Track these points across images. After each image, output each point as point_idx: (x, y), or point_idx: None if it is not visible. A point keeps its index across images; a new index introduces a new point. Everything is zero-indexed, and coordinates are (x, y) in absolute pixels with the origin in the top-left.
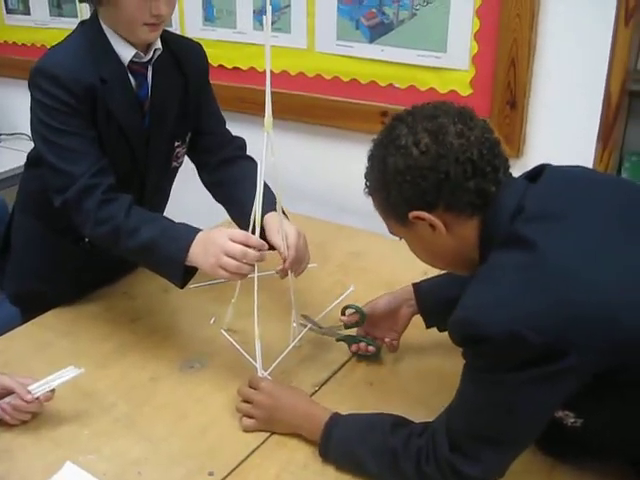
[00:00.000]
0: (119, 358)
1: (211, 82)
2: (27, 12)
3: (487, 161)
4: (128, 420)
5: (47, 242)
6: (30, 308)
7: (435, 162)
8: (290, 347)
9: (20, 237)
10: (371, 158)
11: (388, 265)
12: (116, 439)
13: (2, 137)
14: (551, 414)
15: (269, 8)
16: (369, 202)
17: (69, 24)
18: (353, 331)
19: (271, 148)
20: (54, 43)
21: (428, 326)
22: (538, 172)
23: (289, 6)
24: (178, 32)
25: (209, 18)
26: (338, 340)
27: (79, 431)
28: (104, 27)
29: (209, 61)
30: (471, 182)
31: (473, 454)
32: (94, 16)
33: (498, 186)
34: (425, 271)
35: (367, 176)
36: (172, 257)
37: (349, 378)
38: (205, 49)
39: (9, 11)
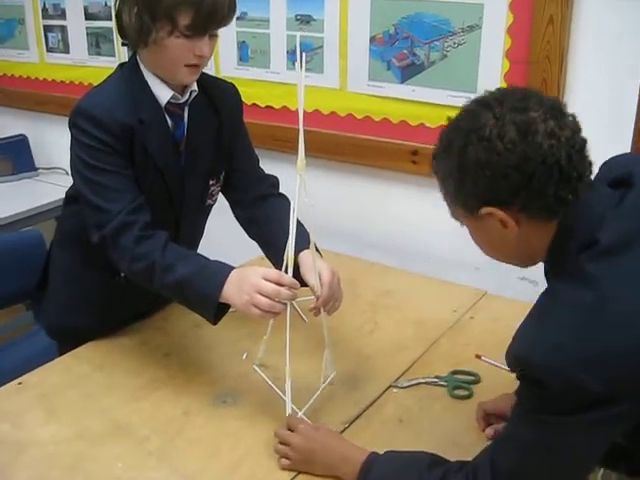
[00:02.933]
0: (152, 392)
1: (245, 120)
2: (67, 51)
3: (574, 166)
4: (161, 454)
5: (84, 277)
6: (66, 341)
7: (520, 162)
8: (322, 387)
9: (58, 272)
10: (447, 142)
11: (417, 303)
12: (149, 472)
13: (40, 171)
14: (600, 455)
15: (299, 51)
16: (399, 239)
17: (107, 62)
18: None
19: (304, 189)
20: (92, 80)
21: None
22: (626, 178)
23: (322, 47)
24: (213, 71)
25: (244, 58)
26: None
27: (113, 464)
28: (143, 69)
29: (243, 100)
30: (553, 187)
31: None
32: (133, 58)
33: (577, 193)
34: (455, 309)
35: (437, 157)
36: (206, 294)
37: (379, 415)
38: (239, 88)
39: (49, 49)
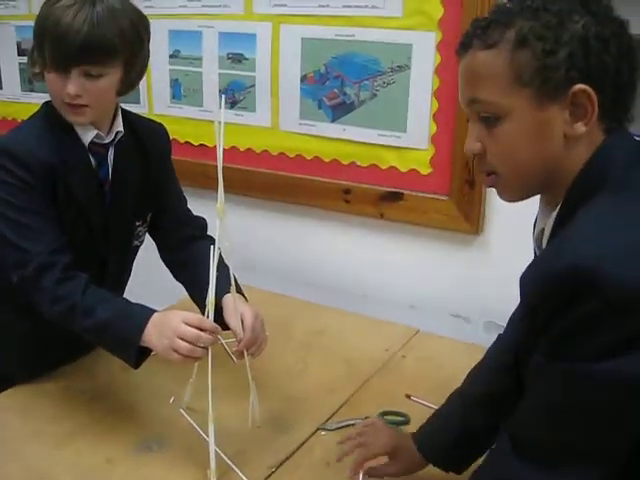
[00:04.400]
0: (75, 439)
1: (178, 158)
2: (0, 87)
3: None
4: None
5: (6, 317)
6: None
7: (623, 51)
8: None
9: None
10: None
11: (350, 342)
12: None
13: None
14: None
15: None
16: (333, 278)
17: (40, 99)
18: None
19: (224, 234)
20: (25, 117)
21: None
22: None
23: (254, 86)
24: (146, 109)
25: (176, 96)
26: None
27: None
28: None
29: (176, 138)
30: (630, 94)
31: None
32: None
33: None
34: (387, 347)
35: (508, 19)
36: (126, 338)
37: (306, 459)
38: (172, 126)
39: None
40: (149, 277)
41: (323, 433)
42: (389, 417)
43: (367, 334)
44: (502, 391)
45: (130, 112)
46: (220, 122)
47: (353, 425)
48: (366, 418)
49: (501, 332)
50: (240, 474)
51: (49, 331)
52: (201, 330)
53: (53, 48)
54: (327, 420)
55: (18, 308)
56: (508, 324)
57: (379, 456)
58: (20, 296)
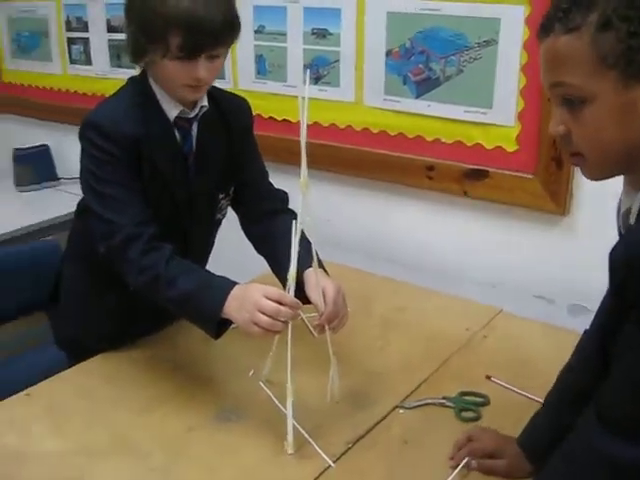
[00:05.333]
0: (158, 406)
1: (262, 134)
2: (89, 63)
3: None
4: (163, 470)
5: (94, 289)
6: (76, 353)
7: None
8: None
9: (68, 284)
10: None
11: (430, 320)
12: None
13: (62, 181)
14: None
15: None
16: (414, 255)
17: (127, 75)
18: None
19: (307, 209)
20: (113, 92)
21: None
22: None
23: (338, 61)
24: (231, 84)
25: (261, 71)
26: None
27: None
28: (151, 83)
29: (260, 113)
30: None
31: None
32: (143, 72)
33: None
34: (467, 327)
35: (590, 1)
36: (207, 309)
37: (384, 436)
38: (256, 102)
39: (72, 61)
40: (231, 250)
41: (401, 411)
42: (468, 397)
43: (448, 312)
44: (593, 385)
45: (214, 87)
46: (304, 97)
47: (432, 404)
48: (444, 398)
49: (585, 318)
50: (317, 448)
51: (135, 304)
52: (281, 304)
53: (186, 39)
54: (406, 398)
55: (106, 280)
56: (595, 315)
57: (487, 452)
58: (108, 266)
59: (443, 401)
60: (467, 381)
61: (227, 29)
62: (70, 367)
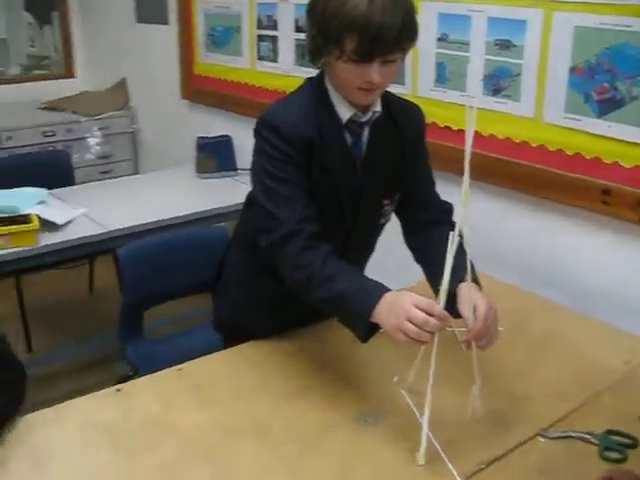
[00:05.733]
0: (300, 399)
1: (437, 142)
2: (275, 60)
3: None
4: (295, 461)
5: (254, 279)
6: (231, 336)
7: None
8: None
9: (230, 270)
10: None
11: (587, 348)
12: (276, 476)
13: (239, 172)
14: None
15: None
16: (577, 279)
17: (310, 74)
18: None
19: (467, 221)
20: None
21: None
22: None
23: (520, 74)
24: (410, 91)
25: (441, 80)
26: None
27: (248, 463)
28: (327, 85)
29: (436, 121)
30: None
31: None
32: (321, 73)
33: None
34: (627, 360)
35: None
36: (358, 312)
37: (519, 462)
38: (433, 109)
39: (260, 57)
40: (390, 257)
41: (542, 440)
42: (615, 437)
43: (607, 343)
44: None
45: (388, 92)
46: (472, 107)
47: (575, 438)
48: (589, 433)
49: None
50: (448, 463)
51: (290, 297)
52: (430, 315)
53: (360, 43)
54: (548, 427)
55: (267, 269)
56: None
57: None
58: (269, 258)
59: (587, 437)
60: (617, 419)
61: (403, 35)
62: (224, 349)
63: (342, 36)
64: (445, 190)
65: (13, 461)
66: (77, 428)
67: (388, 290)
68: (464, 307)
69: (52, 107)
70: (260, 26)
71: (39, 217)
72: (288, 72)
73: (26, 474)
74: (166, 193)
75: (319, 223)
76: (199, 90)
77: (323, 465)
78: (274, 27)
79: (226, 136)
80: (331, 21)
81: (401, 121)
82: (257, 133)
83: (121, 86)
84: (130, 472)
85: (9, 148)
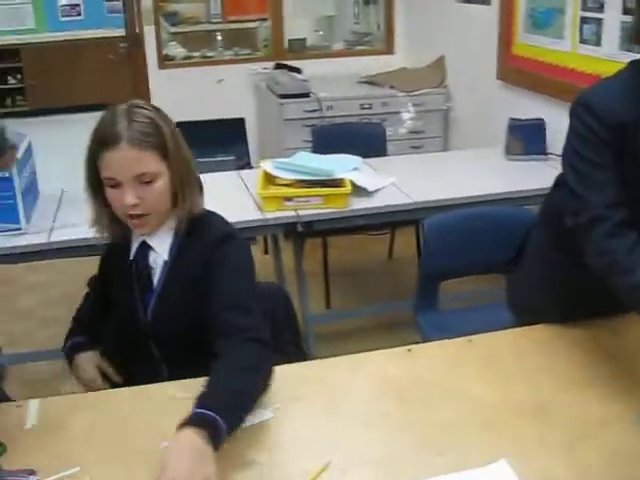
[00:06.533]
0: (583, 388)
1: None
2: (598, 44)
3: None
4: (568, 449)
5: (555, 259)
6: (523, 317)
7: None
8: None
9: (532, 250)
10: None
11: None
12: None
13: (550, 156)
14: None
15: None
16: None
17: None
18: None
19: None
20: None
21: None
22: None
23: None
24: None
25: None
26: None
27: (526, 438)
28: None
29: None
30: None
31: None
32: None
33: None
34: None
35: None
36: None
37: None
38: None
39: (582, 41)
40: None
41: None
42: None
43: None
44: None
45: None
46: None
47: None
48: None
49: None
50: None
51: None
52: None
53: None
54: None
55: (569, 250)
56: None
57: None
58: (572, 239)
59: None
60: None
61: None
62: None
63: None
64: None
65: (310, 398)
66: (368, 377)
67: None
68: None
69: (371, 81)
70: (585, 8)
71: (352, 182)
72: (612, 57)
73: (321, 409)
74: (472, 171)
75: (628, 210)
76: (515, 71)
77: (595, 457)
78: (600, 9)
79: (540, 119)
80: None
81: None
82: (572, 113)
83: (439, 64)
84: (408, 426)
85: (329, 117)
